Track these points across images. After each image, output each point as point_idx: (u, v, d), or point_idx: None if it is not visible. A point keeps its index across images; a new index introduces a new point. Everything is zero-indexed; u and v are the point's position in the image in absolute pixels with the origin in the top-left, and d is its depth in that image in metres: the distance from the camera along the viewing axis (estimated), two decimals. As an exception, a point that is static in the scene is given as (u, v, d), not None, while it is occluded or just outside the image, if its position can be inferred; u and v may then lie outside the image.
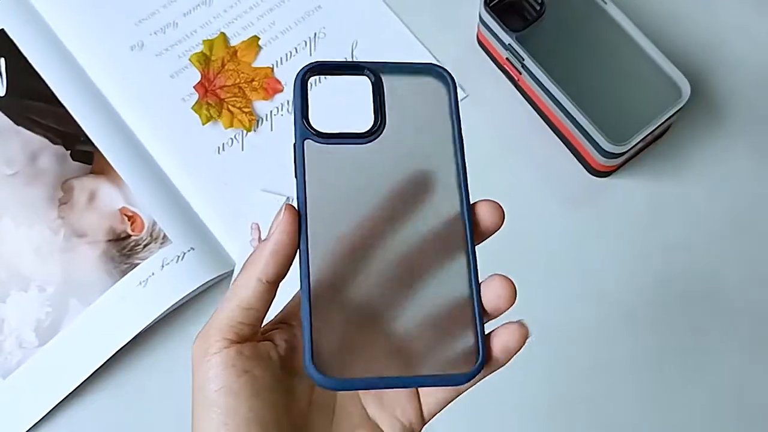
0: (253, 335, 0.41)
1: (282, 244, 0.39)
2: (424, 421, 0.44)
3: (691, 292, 0.74)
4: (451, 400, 0.44)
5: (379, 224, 0.41)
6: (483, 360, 0.41)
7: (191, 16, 0.82)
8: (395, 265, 0.41)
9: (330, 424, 0.43)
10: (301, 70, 0.45)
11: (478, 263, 0.42)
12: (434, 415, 0.44)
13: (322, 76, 0.45)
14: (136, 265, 0.73)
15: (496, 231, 0.43)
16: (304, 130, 0.44)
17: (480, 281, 0.42)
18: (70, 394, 0.71)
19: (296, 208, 0.40)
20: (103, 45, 0.81)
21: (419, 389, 0.44)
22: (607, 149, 0.71)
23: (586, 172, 0.77)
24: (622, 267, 0.75)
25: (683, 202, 0.76)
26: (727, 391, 0.72)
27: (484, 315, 0.42)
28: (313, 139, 0.43)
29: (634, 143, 0.71)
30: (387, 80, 0.45)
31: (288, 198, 0.75)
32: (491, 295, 0.41)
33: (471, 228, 0.43)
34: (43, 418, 0.70)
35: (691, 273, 0.75)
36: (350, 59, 0.81)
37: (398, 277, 0.41)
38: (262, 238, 0.73)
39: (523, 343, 0.42)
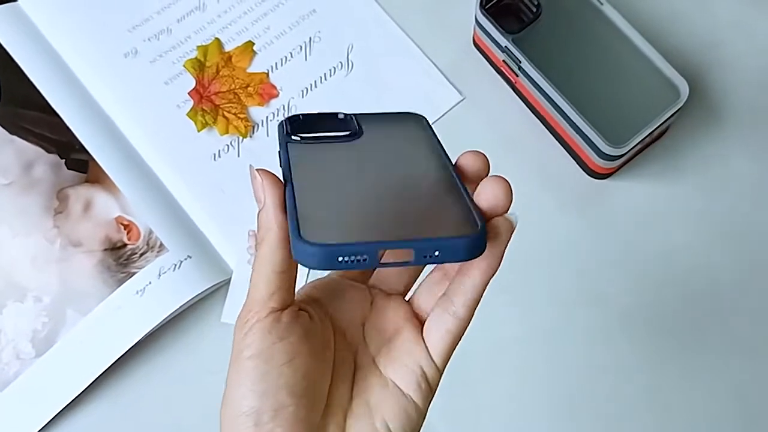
0: (291, 301, 0.41)
1: (279, 199, 0.40)
2: (437, 368, 0.43)
3: (690, 293, 0.74)
4: (457, 339, 0.43)
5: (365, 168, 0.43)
6: (483, 223, 0.38)
7: (185, 21, 0.82)
8: (382, 176, 0.42)
9: (349, 390, 0.43)
10: (282, 122, 0.45)
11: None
12: (446, 359, 0.43)
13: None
14: (133, 274, 0.72)
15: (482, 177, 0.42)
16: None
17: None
18: (68, 404, 0.70)
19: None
20: (96, 52, 0.81)
21: (423, 333, 0.43)
22: (605, 151, 0.71)
23: (585, 174, 0.77)
24: (621, 269, 0.75)
25: (682, 204, 0.76)
26: (727, 392, 0.71)
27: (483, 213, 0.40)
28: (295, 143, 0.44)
29: (632, 145, 0.71)
30: (366, 128, 0.45)
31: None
32: (488, 194, 0.41)
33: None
34: (41, 429, 0.70)
35: (690, 274, 0.75)
36: (346, 63, 0.80)
37: (386, 182, 0.41)
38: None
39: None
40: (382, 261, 0.36)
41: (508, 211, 0.41)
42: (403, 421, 0.42)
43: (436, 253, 0.36)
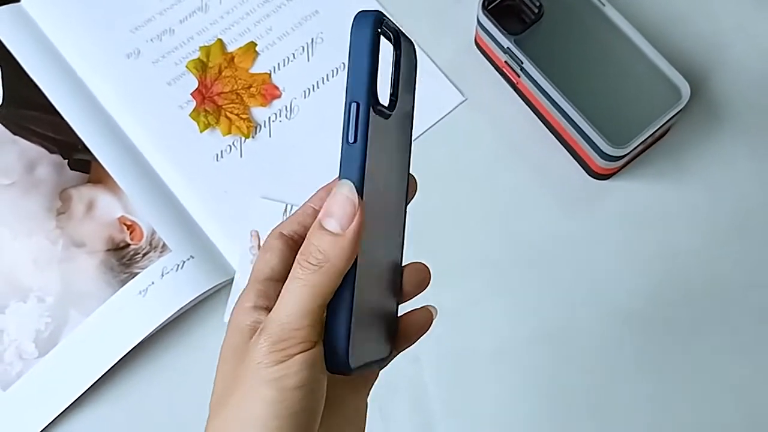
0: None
1: (360, 230, 0.39)
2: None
3: (692, 294, 0.74)
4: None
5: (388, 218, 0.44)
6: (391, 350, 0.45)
7: (187, 22, 0.82)
8: (381, 258, 0.44)
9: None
10: (366, 16, 0.40)
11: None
12: None
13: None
14: (136, 274, 0.72)
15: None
16: (371, 95, 0.39)
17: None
18: (71, 404, 0.70)
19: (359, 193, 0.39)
20: (99, 53, 0.81)
21: None
22: (607, 152, 0.71)
23: (587, 175, 0.77)
24: (623, 270, 0.75)
25: (684, 204, 0.76)
26: (731, 393, 0.71)
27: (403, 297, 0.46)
28: (374, 110, 0.40)
29: (634, 146, 0.71)
30: (402, 48, 0.44)
31: (288, 205, 0.75)
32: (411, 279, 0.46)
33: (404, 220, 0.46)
34: (44, 429, 0.70)
35: (693, 275, 0.74)
36: (345, 64, 0.80)
37: (381, 268, 0.44)
38: (261, 245, 0.73)
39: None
40: None
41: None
42: None
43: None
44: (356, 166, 0.38)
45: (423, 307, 0.46)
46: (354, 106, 0.39)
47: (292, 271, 0.40)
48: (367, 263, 0.40)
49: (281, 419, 0.38)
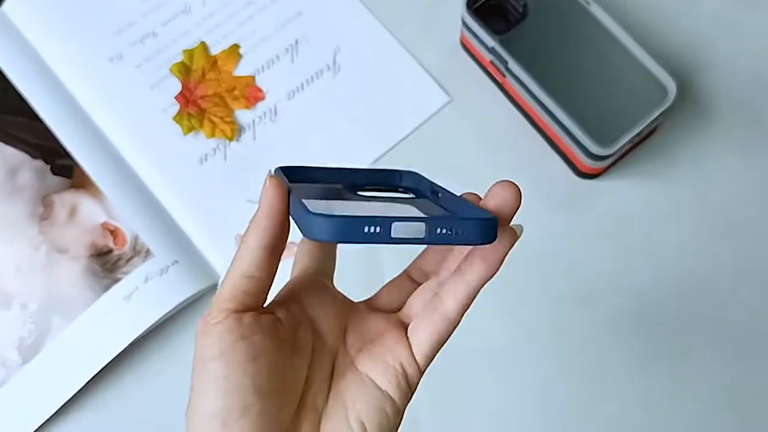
0: (256, 305, 0.41)
1: (273, 208, 0.40)
2: (419, 366, 0.43)
3: (680, 292, 0.74)
4: (443, 340, 0.43)
5: None
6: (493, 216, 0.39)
7: (170, 25, 0.81)
8: None
9: (325, 393, 0.42)
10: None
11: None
12: (428, 359, 0.43)
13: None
14: (119, 279, 0.72)
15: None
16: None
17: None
18: (55, 412, 0.70)
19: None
20: (81, 57, 0.80)
21: (408, 332, 0.43)
22: (593, 151, 0.70)
23: (574, 175, 0.76)
24: (611, 269, 0.74)
25: (672, 203, 0.76)
26: (720, 393, 0.71)
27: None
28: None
29: (620, 145, 0.70)
30: None
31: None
32: (497, 194, 0.41)
33: None
34: (28, 437, 0.70)
35: (681, 274, 0.74)
36: (332, 65, 0.80)
37: None
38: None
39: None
40: (393, 236, 0.36)
41: (514, 220, 0.42)
42: (379, 418, 0.41)
43: (449, 231, 0.37)
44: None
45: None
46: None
47: None
48: None
49: (211, 390, 0.39)
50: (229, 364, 0.38)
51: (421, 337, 0.42)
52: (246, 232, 0.41)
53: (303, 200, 0.38)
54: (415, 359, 0.42)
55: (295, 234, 0.39)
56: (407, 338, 0.43)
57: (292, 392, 0.41)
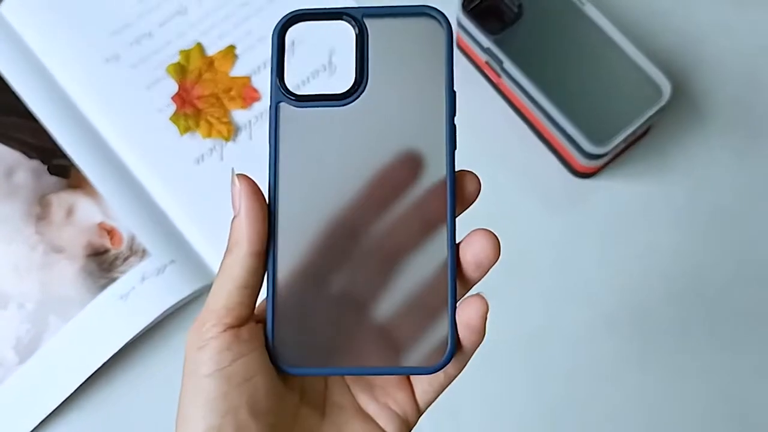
0: (250, 316, 0.40)
1: (254, 211, 0.39)
2: (419, 410, 0.43)
3: (675, 291, 0.74)
4: (446, 385, 0.43)
5: (358, 201, 0.40)
6: (453, 349, 0.39)
7: (167, 26, 0.82)
8: (372, 248, 0.40)
9: (321, 417, 0.42)
10: (278, 22, 0.42)
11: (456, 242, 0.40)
12: (429, 404, 0.43)
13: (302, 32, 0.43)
14: (116, 279, 0.72)
15: (472, 203, 0.42)
16: (279, 91, 0.41)
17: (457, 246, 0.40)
18: (52, 412, 0.70)
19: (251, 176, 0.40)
20: (77, 58, 0.80)
21: (411, 377, 0.43)
22: (588, 151, 0.71)
23: (569, 174, 0.77)
24: (606, 268, 0.75)
25: (666, 202, 0.76)
26: (714, 391, 0.71)
27: (465, 282, 0.41)
28: (288, 102, 0.41)
29: (615, 144, 0.71)
30: (372, 27, 0.42)
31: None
32: (475, 249, 0.40)
33: (453, 211, 0.41)
34: (24, 437, 0.70)
35: (675, 273, 0.74)
36: (328, 66, 0.80)
37: (374, 261, 0.40)
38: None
39: (485, 316, 0.40)
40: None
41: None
42: None
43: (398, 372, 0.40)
44: (269, 159, 0.40)
45: (473, 296, 0.40)
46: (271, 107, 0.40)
47: None
48: (326, 250, 0.40)
49: (205, 407, 0.37)
50: (226, 382, 0.37)
51: (425, 387, 0.43)
52: (231, 240, 0.39)
53: (275, 287, 0.39)
54: (416, 404, 0.43)
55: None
56: (409, 383, 0.43)
57: (286, 411, 0.40)
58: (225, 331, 0.38)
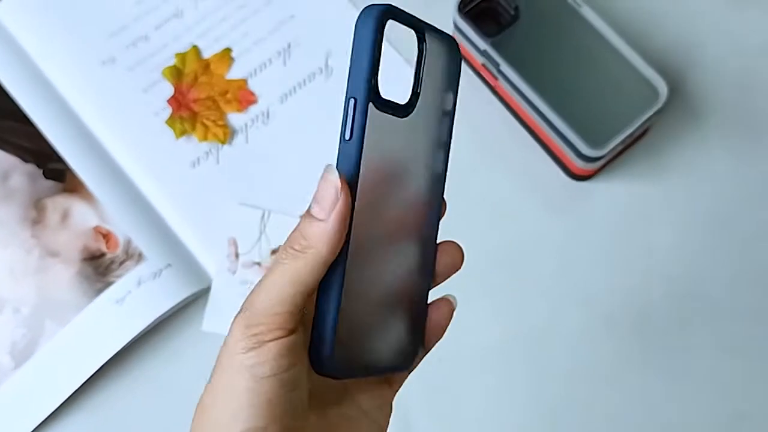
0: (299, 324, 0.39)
1: (346, 219, 0.37)
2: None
3: (673, 293, 0.74)
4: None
5: (399, 217, 0.41)
6: (422, 347, 0.44)
7: (163, 29, 0.81)
8: (396, 260, 0.41)
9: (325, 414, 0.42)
10: (368, 14, 0.38)
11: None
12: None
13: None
14: (112, 283, 0.72)
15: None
16: (370, 92, 0.39)
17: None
18: (48, 416, 0.70)
19: (348, 179, 0.38)
20: (73, 60, 0.80)
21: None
22: (585, 153, 0.71)
23: (566, 177, 0.76)
24: (604, 270, 0.74)
25: (664, 204, 0.76)
26: (713, 391, 0.71)
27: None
28: (374, 105, 0.39)
29: (612, 147, 0.70)
30: (430, 44, 0.41)
31: (266, 211, 0.74)
32: (446, 260, 0.44)
33: (437, 235, 0.44)
34: (20, 442, 0.69)
35: (673, 274, 0.74)
36: (325, 68, 0.80)
37: (396, 272, 0.41)
38: (239, 253, 0.73)
39: (451, 318, 0.45)
40: None
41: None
42: None
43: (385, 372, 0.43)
44: (350, 162, 0.38)
45: (441, 298, 0.44)
46: (352, 102, 0.38)
47: (276, 256, 0.39)
48: (370, 261, 0.39)
49: (255, 408, 0.37)
50: (281, 387, 0.37)
51: (400, 379, 0.45)
52: (304, 242, 0.37)
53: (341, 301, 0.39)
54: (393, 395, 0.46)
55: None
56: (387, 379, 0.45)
57: (305, 409, 0.40)
58: (285, 335, 0.37)
